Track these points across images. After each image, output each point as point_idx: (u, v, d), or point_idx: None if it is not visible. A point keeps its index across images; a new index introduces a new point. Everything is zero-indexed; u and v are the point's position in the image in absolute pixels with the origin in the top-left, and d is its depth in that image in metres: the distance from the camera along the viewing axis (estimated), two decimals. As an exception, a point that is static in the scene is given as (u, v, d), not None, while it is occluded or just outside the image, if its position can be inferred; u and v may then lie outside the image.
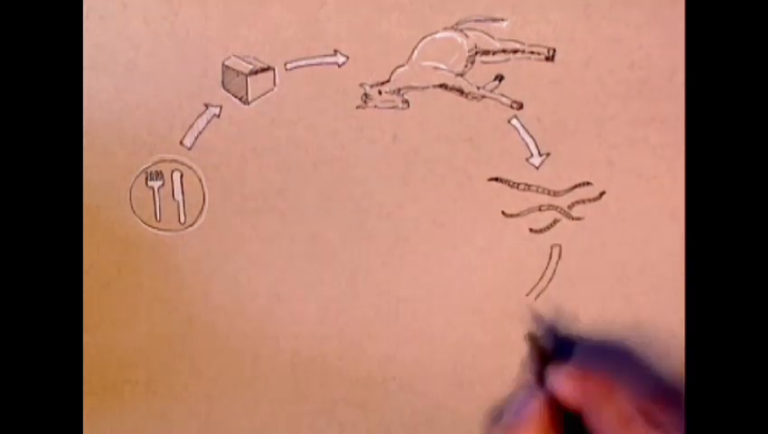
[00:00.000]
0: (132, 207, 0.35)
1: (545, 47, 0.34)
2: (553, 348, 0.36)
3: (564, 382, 0.33)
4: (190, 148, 0.34)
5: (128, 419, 0.38)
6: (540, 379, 0.35)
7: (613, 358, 0.36)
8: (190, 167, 0.35)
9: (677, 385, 0.36)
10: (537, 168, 0.35)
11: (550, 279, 0.37)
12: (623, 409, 0.32)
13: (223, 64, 0.34)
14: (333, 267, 0.36)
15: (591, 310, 0.37)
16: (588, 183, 0.36)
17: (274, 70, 0.34)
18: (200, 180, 0.35)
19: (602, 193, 0.36)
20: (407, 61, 0.34)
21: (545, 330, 0.36)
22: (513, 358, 0.38)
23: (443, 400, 0.38)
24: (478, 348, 0.38)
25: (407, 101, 0.34)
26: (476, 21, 0.33)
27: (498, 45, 0.34)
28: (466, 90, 0.34)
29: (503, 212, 0.36)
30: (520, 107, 0.35)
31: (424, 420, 0.39)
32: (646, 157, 0.35)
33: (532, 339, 0.36)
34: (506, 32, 0.34)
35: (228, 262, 0.36)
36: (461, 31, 0.34)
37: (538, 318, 0.36)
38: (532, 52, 0.34)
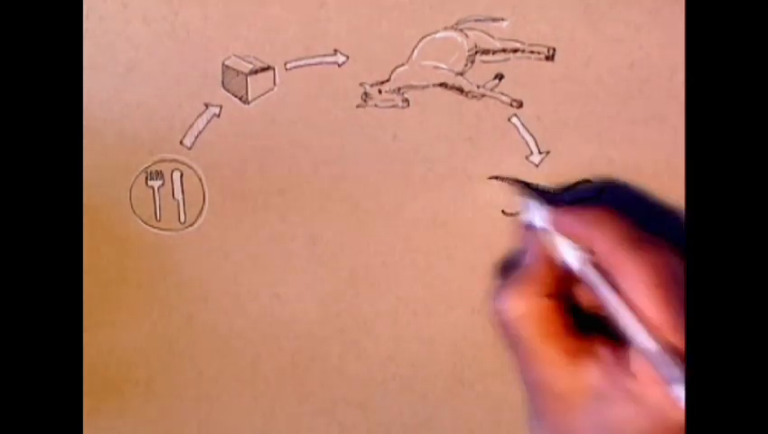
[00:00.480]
0: (132, 207, 0.35)
1: (545, 46, 0.34)
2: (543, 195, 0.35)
3: (560, 217, 0.32)
4: (190, 148, 0.34)
5: (128, 419, 0.38)
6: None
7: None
8: (190, 167, 0.35)
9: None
10: (536, 166, 0.35)
11: (550, 279, 0.37)
12: (630, 231, 0.31)
13: (223, 64, 0.34)
14: (333, 267, 0.36)
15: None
16: (588, 182, 0.36)
17: (274, 69, 0.34)
18: (200, 180, 0.35)
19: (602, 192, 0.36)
20: (407, 61, 0.34)
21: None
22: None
23: (443, 400, 0.38)
24: (478, 348, 0.38)
25: (407, 100, 0.34)
26: (476, 20, 0.33)
27: (498, 45, 0.34)
28: (466, 89, 0.34)
29: (503, 211, 0.36)
30: (520, 105, 0.35)
31: (424, 420, 0.39)
32: (646, 157, 0.35)
33: (521, 184, 0.36)
34: (506, 31, 0.34)
35: (228, 262, 0.36)
36: (461, 30, 0.34)
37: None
38: (532, 52, 0.34)
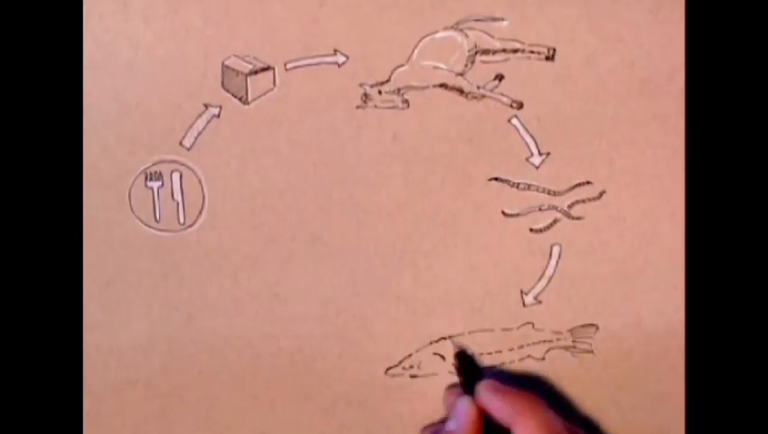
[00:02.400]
0: (131, 207, 0.35)
1: (545, 46, 0.34)
2: (480, 366, 0.37)
3: (491, 396, 0.34)
4: (189, 149, 0.34)
5: (128, 419, 0.38)
6: (471, 393, 0.35)
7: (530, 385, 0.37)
8: (189, 168, 0.35)
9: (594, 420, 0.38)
10: (537, 168, 0.35)
11: (550, 279, 0.37)
12: (551, 424, 0.32)
13: (223, 64, 0.34)
14: (333, 267, 0.36)
15: (591, 309, 0.37)
16: (588, 183, 0.36)
17: (274, 69, 0.34)
18: (199, 180, 0.35)
19: (602, 193, 0.36)
20: (407, 61, 0.34)
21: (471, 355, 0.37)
22: (513, 357, 0.38)
23: (443, 400, 0.38)
24: (478, 348, 0.38)
25: (406, 101, 0.34)
26: (476, 20, 0.33)
27: (498, 45, 0.34)
28: (466, 90, 0.34)
29: (503, 212, 0.36)
30: (520, 106, 0.35)
31: (424, 420, 0.39)
32: (646, 157, 0.35)
33: (461, 355, 0.37)
34: (506, 31, 0.34)
35: (228, 262, 0.36)
36: (461, 30, 0.34)
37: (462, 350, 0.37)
38: (532, 52, 0.34)
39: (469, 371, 0.36)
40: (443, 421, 0.36)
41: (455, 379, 0.38)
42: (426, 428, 0.37)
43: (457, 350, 0.37)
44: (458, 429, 0.34)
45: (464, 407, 0.34)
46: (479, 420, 0.34)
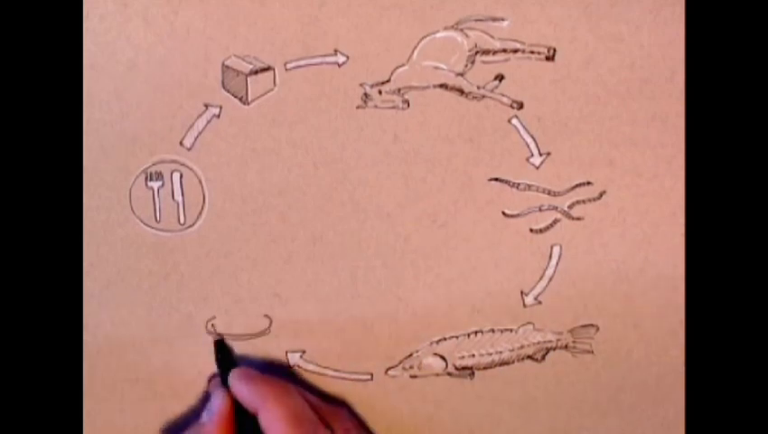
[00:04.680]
0: (132, 207, 0.35)
1: (545, 46, 0.34)
2: (236, 356, 0.37)
3: (239, 383, 0.34)
4: (189, 149, 0.34)
5: (128, 419, 0.38)
6: (226, 382, 0.35)
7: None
8: (190, 168, 0.35)
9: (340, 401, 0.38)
10: (537, 168, 0.35)
11: (550, 279, 0.37)
12: (294, 407, 0.33)
13: (223, 64, 0.34)
14: (333, 267, 0.36)
15: (591, 310, 0.37)
16: (588, 183, 0.36)
17: (274, 69, 0.34)
18: (199, 180, 0.35)
19: (602, 193, 0.36)
20: (408, 61, 0.34)
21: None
22: (513, 357, 0.38)
23: (443, 400, 0.39)
24: (478, 348, 0.38)
25: (407, 101, 0.34)
26: (476, 20, 0.33)
27: (498, 45, 0.34)
28: (466, 90, 0.34)
29: (503, 212, 0.36)
30: (521, 106, 0.35)
31: (424, 420, 0.39)
32: (646, 157, 0.35)
33: (219, 344, 0.37)
34: (506, 31, 0.34)
35: (228, 262, 0.36)
36: (461, 30, 0.34)
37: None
38: (532, 52, 0.34)
39: (225, 361, 0.36)
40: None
41: (455, 379, 0.38)
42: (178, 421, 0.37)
43: (216, 339, 0.37)
44: (209, 420, 0.34)
45: (216, 397, 0.34)
46: (230, 410, 0.34)
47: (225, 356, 0.37)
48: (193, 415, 0.36)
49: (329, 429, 0.33)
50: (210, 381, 0.37)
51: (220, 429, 0.34)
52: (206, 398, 0.36)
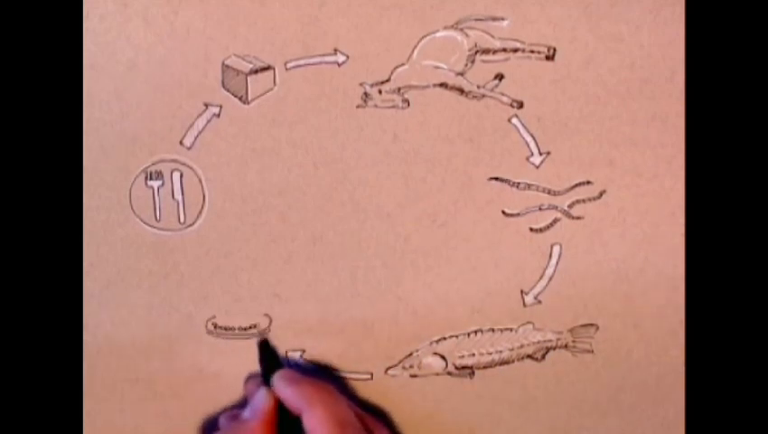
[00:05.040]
0: (132, 207, 0.35)
1: (545, 46, 0.34)
2: (281, 357, 0.37)
3: (284, 384, 0.34)
4: (189, 148, 0.34)
5: (128, 419, 0.38)
6: (267, 382, 0.35)
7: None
8: (190, 167, 0.35)
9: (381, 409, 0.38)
10: (537, 167, 0.35)
11: (550, 279, 0.37)
12: (339, 412, 0.33)
13: (223, 63, 0.34)
14: (333, 267, 0.36)
15: (591, 309, 0.37)
16: (588, 183, 0.36)
17: (274, 69, 0.34)
18: (199, 180, 0.35)
19: (602, 193, 0.36)
20: (408, 61, 0.34)
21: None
22: (513, 357, 0.38)
23: (443, 399, 0.39)
24: (478, 348, 0.38)
25: (407, 101, 0.34)
26: (476, 20, 0.33)
27: (498, 44, 0.34)
28: (466, 90, 0.34)
29: (504, 212, 0.36)
30: (521, 106, 0.35)
31: (425, 420, 0.39)
32: (646, 157, 0.35)
33: (263, 344, 0.37)
34: (506, 31, 0.34)
35: (228, 262, 0.36)
36: (461, 30, 0.34)
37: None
38: (532, 51, 0.34)
39: (269, 361, 0.36)
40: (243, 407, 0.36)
41: (455, 379, 0.38)
42: (223, 413, 0.37)
43: (260, 340, 0.37)
44: (252, 418, 0.34)
45: (260, 396, 0.34)
46: (273, 410, 0.34)
47: (269, 356, 0.37)
48: (230, 414, 0.36)
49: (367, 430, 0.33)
50: (247, 381, 0.37)
51: (263, 427, 0.33)
52: (245, 398, 0.36)
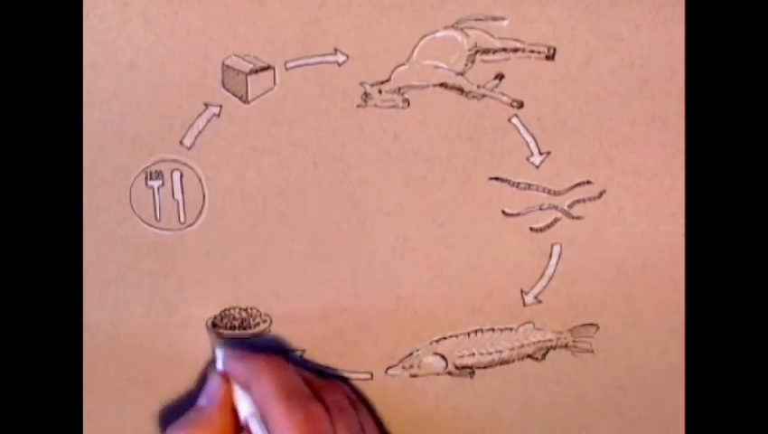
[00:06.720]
0: (132, 207, 0.35)
1: (545, 46, 0.34)
2: (230, 337, 0.37)
3: (231, 362, 0.34)
4: (189, 148, 0.34)
5: (128, 419, 0.38)
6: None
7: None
8: (190, 167, 0.35)
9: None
10: (537, 167, 0.35)
11: (550, 278, 0.37)
12: (286, 381, 0.33)
13: (223, 63, 0.34)
14: (333, 267, 0.36)
15: (591, 309, 0.37)
16: (588, 182, 0.36)
17: (274, 69, 0.34)
18: (199, 179, 0.35)
19: (602, 192, 0.36)
20: (408, 60, 0.34)
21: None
22: (513, 357, 0.38)
23: (443, 399, 0.39)
24: (478, 348, 0.38)
25: (407, 100, 0.34)
26: (476, 19, 0.33)
27: (498, 44, 0.34)
28: (466, 89, 0.34)
29: (504, 212, 0.36)
30: (521, 105, 0.35)
31: (424, 420, 0.39)
32: (646, 156, 0.35)
33: (211, 327, 0.37)
34: (506, 30, 0.34)
35: (228, 262, 0.36)
36: (461, 29, 0.34)
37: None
38: (532, 51, 0.34)
39: (220, 344, 0.36)
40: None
41: (455, 378, 0.38)
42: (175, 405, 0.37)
43: (209, 323, 0.37)
44: (208, 404, 0.34)
45: (213, 381, 0.35)
46: (227, 393, 0.34)
47: (219, 339, 0.36)
48: (190, 400, 0.36)
49: (321, 402, 0.33)
50: (207, 367, 0.37)
51: (218, 412, 0.34)
52: (202, 383, 0.36)
